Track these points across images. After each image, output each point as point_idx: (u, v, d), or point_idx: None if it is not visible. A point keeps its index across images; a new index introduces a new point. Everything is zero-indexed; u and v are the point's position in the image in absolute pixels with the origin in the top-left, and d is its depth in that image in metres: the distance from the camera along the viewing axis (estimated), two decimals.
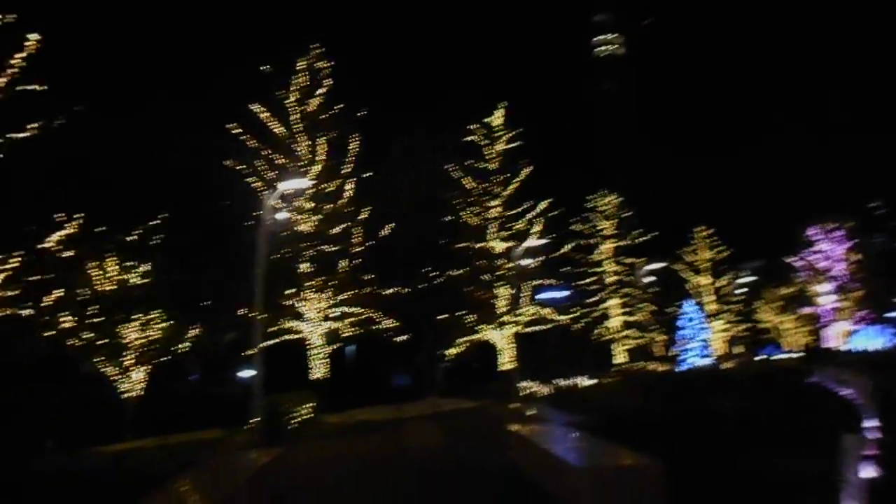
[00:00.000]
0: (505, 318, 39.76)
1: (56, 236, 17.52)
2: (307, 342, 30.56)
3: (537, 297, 39.97)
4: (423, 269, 37.95)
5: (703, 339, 56.16)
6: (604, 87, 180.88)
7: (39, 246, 17.42)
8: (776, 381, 28.71)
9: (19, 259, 15.97)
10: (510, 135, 42.00)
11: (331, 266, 29.03)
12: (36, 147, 18.16)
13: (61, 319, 19.61)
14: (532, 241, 33.29)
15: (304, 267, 29.34)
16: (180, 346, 25.83)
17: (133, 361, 24.57)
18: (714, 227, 64.09)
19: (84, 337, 21.81)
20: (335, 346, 31.30)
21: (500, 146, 41.92)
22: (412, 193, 37.54)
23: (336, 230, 29.68)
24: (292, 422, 22.81)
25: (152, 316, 24.45)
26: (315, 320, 29.92)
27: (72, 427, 23.68)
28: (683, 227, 65.47)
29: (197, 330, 25.86)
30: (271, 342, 29.95)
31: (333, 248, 29.17)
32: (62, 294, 17.75)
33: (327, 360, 30.57)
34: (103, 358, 24.00)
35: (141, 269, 23.73)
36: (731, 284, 63.97)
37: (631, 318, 54.53)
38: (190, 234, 25.67)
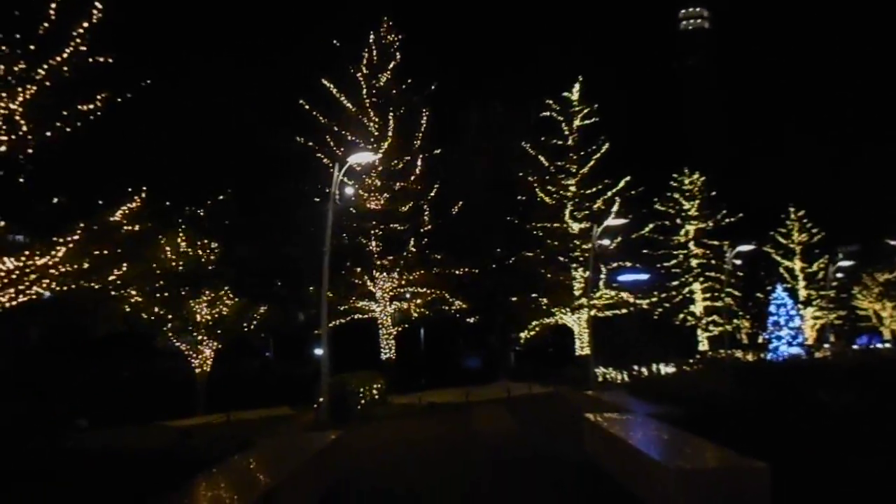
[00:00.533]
0: (581, 301, 38.22)
1: (122, 210, 17.34)
2: (377, 322, 30.07)
3: (616, 279, 38.14)
4: (495, 249, 36.80)
5: (794, 326, 52.74)
6: (689, 62, 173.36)
7: (107, 219, 17.29)
8: (879, 373, 26.22)
9: (79, 232, 15.80)
10: (588, 110, 40.20)
11: (400, 245, 28.36)
12: (104, 120, 18.07)
13: (130, 294, 19.61)
14: (611, 221, 31.55)
15: (373, 246, 28.78)
16: (250, 323, 25.72)
17: (203, 337, 24.61)
18: (807, 209, 60.01)
19: (153, 312, 21.86)
20: (404, 327, 30.66)
21: (577, 122, 40.20)
22: (484, 170, 36.32)
23: (405, 208, 28.93)
24: (359, 402, 22.28)
25: (221, 293, 24.34)
26: (384, 300, 29.35)
27: (143, 401, 23.98)
28: (774, 209, 61.60)
29: (265, 308, 25.67)
30: (341, 321, 29.66)
31: (402, 227, 28.43)
32: (128, 268, 17.57)
33: (395, 341, 29.96)
34: (172, 334, 24.14)
35: (210, 244, 23.60)
36: (826, 269, 59.73)
37: (716, 304, 51.70)
38: (259, 210, 25.40)
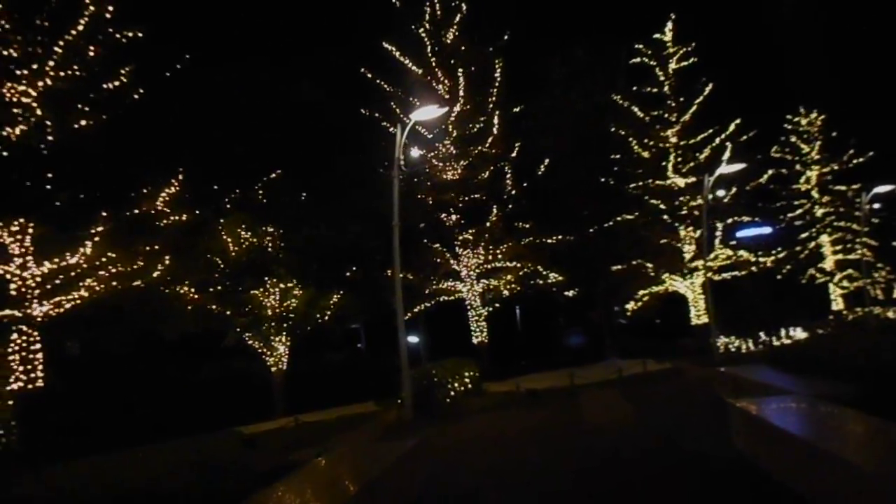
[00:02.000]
0: (695, 264, 34.05)
1: (162, 197, 15.33)
2: (466, 303, 27.34)
3: (735, 236, 33.64)
4: (590, 213, 33.17)
5: None
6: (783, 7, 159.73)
7: (146, 209, 15.35)
8: None
9: (105, 224, 13.90)
10: (684, 51, 35.69)
11: (482, 215, 25.41)
12: (139, 102, 16.17)
13: (184, 290, 17.81)
14: (725, 168, 27.32)
15: (454, 219, 25.98)
16: (323, 313, 23.53)
17: (274, 332, 22.64)
18: None
19: (214, 308, 19.98)
20: (496, 307, 27.75)
21: (672, 65, 35.80)
22: (572, 127, 32.65)
23: (485, 175, 25.94)
24: (448, 394, 19.62)
25: (289, 283, 22.19)
26: (470, 278, 26.57)
27: (219, 405, 22.35)
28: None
29: (338, 296, 23.37)
30: (426, 305, 27.16)
31: (483, 196, 25.47)
32: (177, 262, 15.66)
33: (488, 322, 27.11)
34: (239, 330, 22.27)
35: (270, 230, 21.45)
36: None
37: (849, 257, 45.71)
38: (322, 189, 23.00)
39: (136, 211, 15.10)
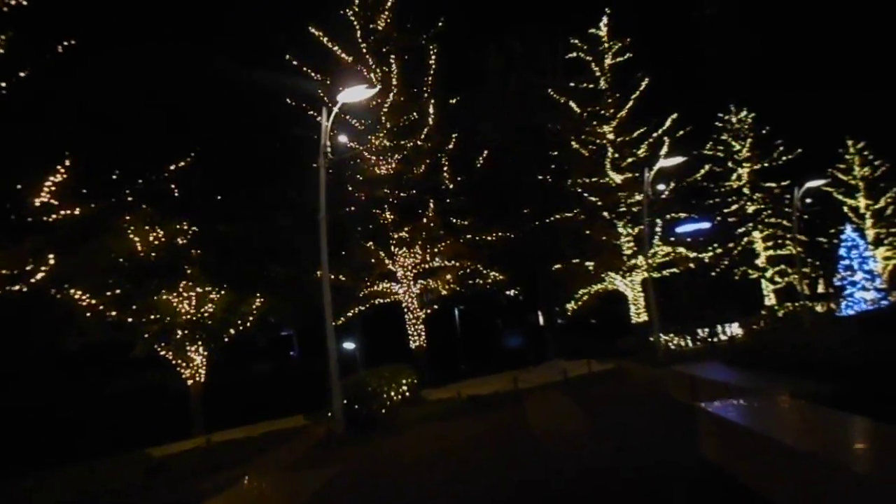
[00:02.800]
0: (635, 261, 33.45)
1: (45, 188, 13.12)
2: (403, 306, 25.70)
3: (674, 231, 33.17)
4: (529, 210, 32.11)
5: (869, 269, 47.10)
6: (706, 10, 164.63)
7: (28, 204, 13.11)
8: None
9: None
10: (619, 46, 35.15)
11: (418, 212, 23.83)
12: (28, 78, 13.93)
13: (76, 294, 15.53)
14: (665, 162, 26.61)
15: (388, 216, 24.31)
16: (244, 319, 21.33)
17: (189, 341, 20.35)
18: (867, 140, 53.90)
19: (110, 314, 17.53)
20: (435, 309, 26.20)
21: (608, 60, 35.21)
22: (510, 121, 31.52)
23: (420, 170, 24.39)
24: (384, 404, 17.93)
25: (207, 287, 19.90)
26: (407, 279, 24.97)
27: (131, 423, 20.02)
28: (829, 145, 55.52)
29: (260, 299, 21.22)
30: (360, 309, 25.41)
31: (419, 191, 23.90)
32: (66, 261, 13.46)
33: (427, 325, 25.54)
34: (149, 339, 19.85)
35: (179, 226, 19.02)
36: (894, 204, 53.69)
37: (780, 252, 46.28)
38: (241, 180, 20.81)
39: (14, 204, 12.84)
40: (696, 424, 10.08)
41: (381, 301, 25.41)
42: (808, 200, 42.11)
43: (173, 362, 20.66)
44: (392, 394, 19.31)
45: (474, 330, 47.83)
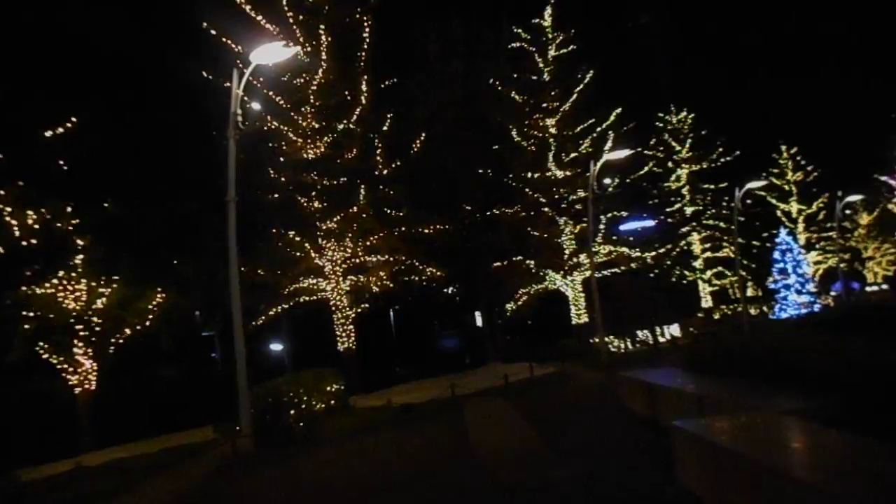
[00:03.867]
0: (576, 260, 31.99)
1: None
2: (331, 304, 23.29)
3: (618, 230, 31.86)
4: (467, 203, 30.21)
5: (802, 272, 47.33)
6: (642, 20, 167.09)
7: None
8: None
9: None
10: (563, 37, 33.72)
11: (349, 200, 21.50)
12: None
13: None
14: (611, 154, 25.14)
15: (315, 205, 21.88)
16: (141, 316, 18.41)
17: (75, 341, 17.37)
18: (799, 145, 54.53)
19: None
20: (365, 307, 23.87)
21: (552, 52, 33.73)
22: (449, 107, 29.53)
23: (351, 155, 22.06)
24: (302, 414, 15.56)
25: (100, 280, 16.91)
26: (335, 274, 22.61)
27: (9, 436, 17.01)
28: (763, 149, 55.96)
29: (161, 294, 18.31)
30: (283, 307, 22.90)
31: (349, 178, 21.58)
32: None
33: (357, 326, 23.19)
34: (27, 339, 16.76)
35: (62, 207, 16.00)
36: (827, 208, 54.44)
37: (717, 255, 45.95)
38: (138, 154, 17.84)
39: None
40: (666, 445, 8.30)
41: (307, 298, 22.94)
42: (748, 202, 41.87)
43: (58, 367, 17.64)
44: (314, 402, 16.98)
45: (410, 331, 45.70)
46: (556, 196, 32.33)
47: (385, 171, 22.31)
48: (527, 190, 31.92)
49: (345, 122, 21.99)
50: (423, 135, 23.35)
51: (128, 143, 17.52)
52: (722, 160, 45.69)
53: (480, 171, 31.89)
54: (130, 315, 17.69)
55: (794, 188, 54.50)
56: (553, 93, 33.24)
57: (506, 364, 28.32)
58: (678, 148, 45.83)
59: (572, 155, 32.98)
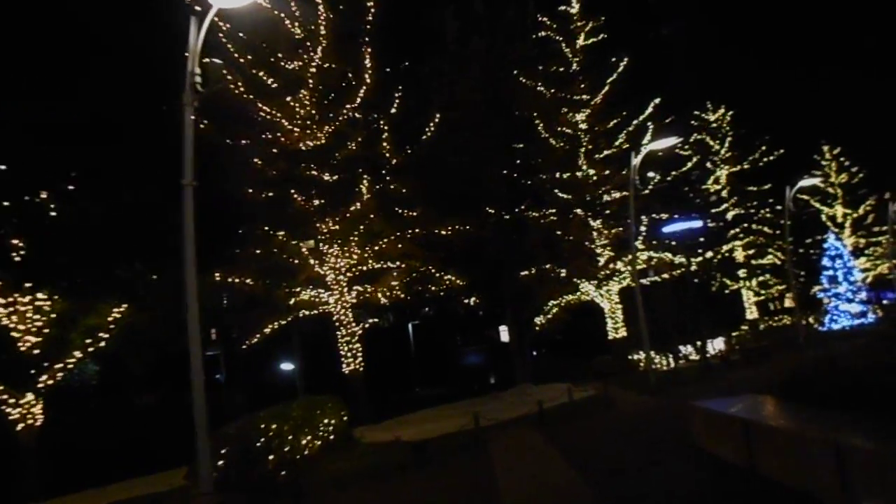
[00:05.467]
0: (614, 267, 28.25)
1: None
2: (335, 319, 19.78)
3: (663, 230, 27.99)
4: (490, 203, 26.70)
5: (854, 280, 42.77)
6: (664, 30, 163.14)
7: None
8: None
9: None
10: (593, 25, 30.28)
11: (350, 195, 18.03)
12: None
13: None
14: (655, 144, 21.45)
15: (315, 204, 18.45)
16: (97, 336, 14.93)
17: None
18: (843, 146, 50.18)
19: None
20: (372, 323, 20.29)
21: (580, 41, 30.28)
22: (468, 93, 26.00)
23: (355, 145, 18.58)
24: (286, 457, 12.02)
25: (18, 292, 13.26)
26: (339, 284, 19.14)
27: None
28: (801, 151, 51.65)
29: (119, 309, 14.75)
30: (280, 323, 19.46)
31: (350, 169, 18.12)
32: None
33: (362, 343, 19.60)
34: None
35: None
36: (876, 211, 49.87)
37: (762, 262, 41.76)
38: (76, 135, 14.38)
39: None
40: None
41: (307, 313, 19.46)
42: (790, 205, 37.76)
43: None
44: (306, 441, 13.49)
45: (431, 347, 42.10)
46: (589, 197, 28.72)
47: (394, 161, 18.77)
48: (556, 191, 28.38)
49: (347, 107, 18.55)
50: (438, 116, 19.76)
51: (67, 118, 14.13)
52: (765, 160, 41.64)
53: (505, 171, 28.49)
54: (78, 335, 14.26)
55: (838, 191, 50.15)
56: (582, 85, 29.79)
57: (537, 385, 24.61)
58: (717, 147, 41.84)
59: (605, 152, 29.40)
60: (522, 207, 27.29)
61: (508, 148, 27.61)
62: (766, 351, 29.10)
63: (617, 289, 29.73)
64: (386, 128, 18.56)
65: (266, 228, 17.53)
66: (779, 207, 42.09)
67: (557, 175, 28.76)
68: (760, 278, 41.64)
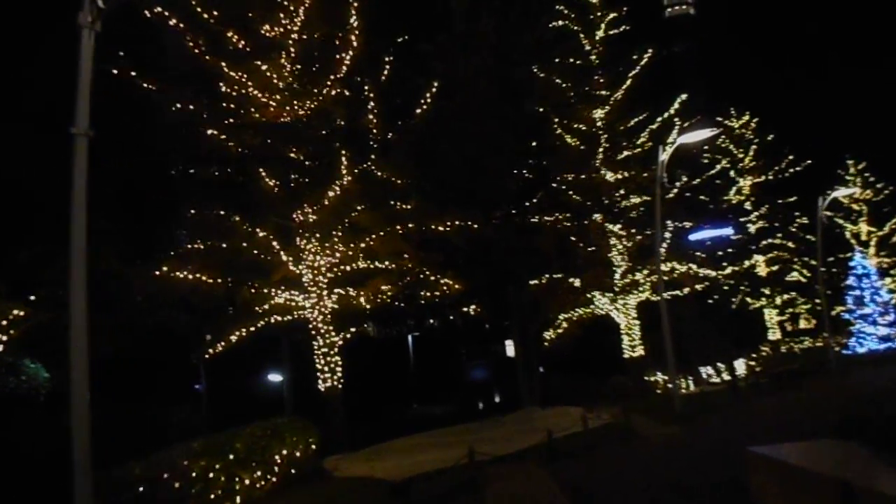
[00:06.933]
0: (632, 278, 24.99)
1: None
2: (310, 327, 16.56)
3: (689, 238, 24.68)
4: (495, 199, 23.58)
5: (882, 300, 39.16)
6: (676, 48, 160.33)
7: None
8: None
9: None
10: (614, 15, 27.26)
11: (327, 176, 14.85)
12: None
13: None
14: (686, 137, 18.29)
15: (284, 185, 15.26)
16: None
17: None
18: (867, 160, 46.82)
19: None
20: (352, 332, 16.98)
21: (600, 32, 27.23)
22: (473, 76, 22.91)
23: (341, 119, 15.45)
24: None
25: None
26: (318, 286, 15.97)
27: None
28: (827, 166, 48.21)
29: (21, 309, 11.55)
30: (248, 330, 16.26)
31: (326, 143, 14.96)
32: None
33: (341, 355, 16.35)
34: None
35: None
36: None
37: (786, 278, 38.27)
38: None
39: None
40: None
41: (280, 319, 16.30)
42: (807, 221, 34.37)
43: None
44: (249, 480, 10.30)
45: (432, 360, 38.93)
46: (607, 201, 25.54)
47: (380, 137, 15.54)
48: (570, 192, 25.26)
49: (332, 78, 15.43)
50: (436, 86, 16.53)
51: None
52: (790, 171, 38.29)
53: (513, 165, 25.42)
54: None
55: (863, 207, 46.71)
56: (601, 80, 26.73)
57: (545, 409, 21.33)
58: (741, 155, 38.52)
59: (625, 153, 26.27)
60: (533, 207, 24.11)
61: (519, 139, 24.48)
62: (795, 375, 25.96)
63: (634, 303, 26.47)
64: (372, 95, 15.42)
65: (222, 213, 14.41)
66: (804, 221, 38.82)
67: (572, 176, 25.66)
68: (785, 296, 38.02)
